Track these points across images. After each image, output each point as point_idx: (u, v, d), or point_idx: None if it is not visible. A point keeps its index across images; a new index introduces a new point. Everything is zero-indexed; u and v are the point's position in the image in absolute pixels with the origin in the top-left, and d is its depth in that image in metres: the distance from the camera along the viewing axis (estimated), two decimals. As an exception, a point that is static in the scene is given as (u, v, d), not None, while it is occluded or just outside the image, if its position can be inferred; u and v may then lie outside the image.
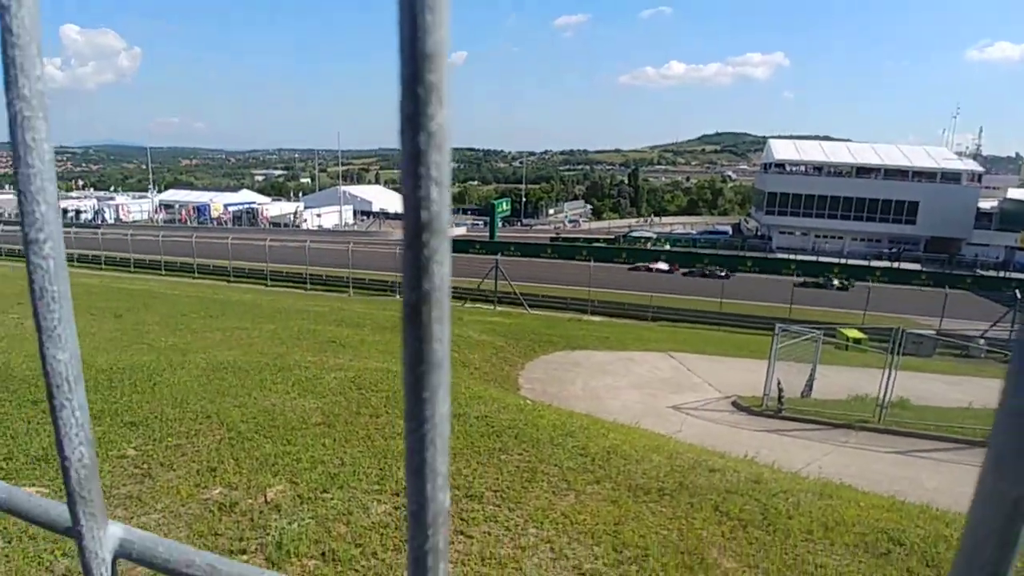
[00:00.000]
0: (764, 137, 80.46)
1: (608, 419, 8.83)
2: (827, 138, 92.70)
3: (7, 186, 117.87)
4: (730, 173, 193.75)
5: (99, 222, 66.88)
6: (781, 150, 58.46)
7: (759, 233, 60.65)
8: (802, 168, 56.43)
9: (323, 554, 3.83)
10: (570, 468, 5.50)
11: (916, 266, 45.02)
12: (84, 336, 11.43)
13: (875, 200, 52.52)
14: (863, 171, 54.15)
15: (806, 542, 4.54)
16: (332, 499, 4.53)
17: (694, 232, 67.68)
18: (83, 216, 71.72)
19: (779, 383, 12.28)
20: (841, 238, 53.87)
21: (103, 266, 38.60)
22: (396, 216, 76.45)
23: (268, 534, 3.98)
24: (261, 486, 4.66)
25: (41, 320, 0.32)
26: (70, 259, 40.36)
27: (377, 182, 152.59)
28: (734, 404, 13.07)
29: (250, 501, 4.41)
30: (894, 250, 50.87)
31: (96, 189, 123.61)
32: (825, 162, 55.94)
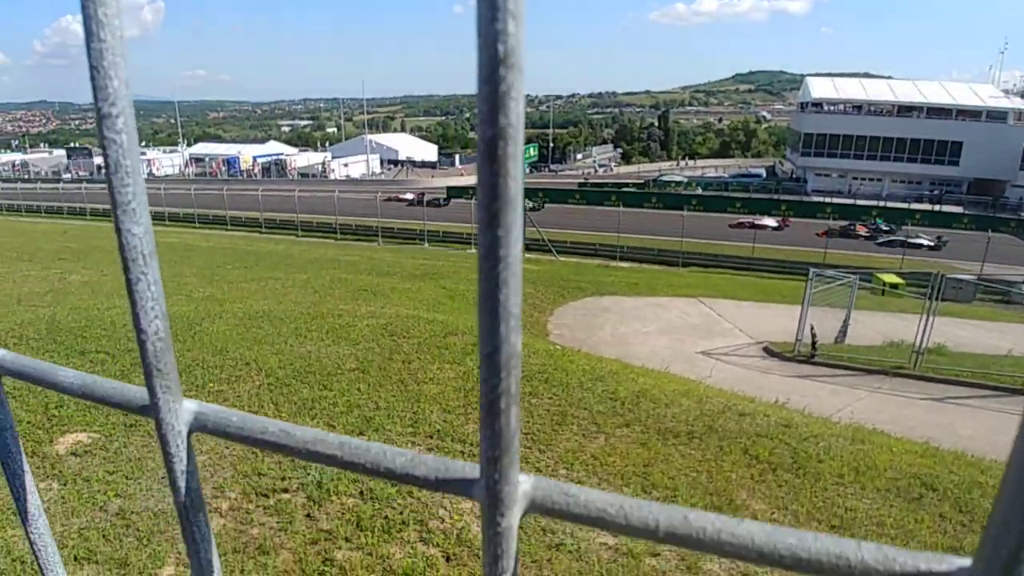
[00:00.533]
0: (801, 75, 77.18)
1: (637, 364, 8.85)
2: (867, 75, 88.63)
3: (42, 144, 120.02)
4: (765, 113, 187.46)
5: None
6: (819, 88, 56.10)
7: (794, 175, 58.94)
8: (841, 107, 54.20)
9: (361, 493, 3.97)
10: (600, 412, 5.56)
11: (958, 209, 43.37)
12: (121, 289, 11.75)
13: (916, 140, 50.33)
14: (905, 110, 51.79)
15: (836, 486, 4.56)
16: (370, 440, 4.65)
17: (726, 175, 66.06)
18: (116, 170, 72.77)
19: (812, 328, 12.13)
20: (880, 180, 52.04)
21: (139, 219, 39.31)
22: (423, 164, 76.10)
23: (308, 474, 4.12)
24: (299, 430, 4.81)
25: (116, 195, 0.32)
26: (105, 214, 41.25)
27: (403, 130, 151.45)
28: (765, 350, 12.97)
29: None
30: (935, 192, 49.03)
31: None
32: (865, 100, 53.59)
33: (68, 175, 71.83)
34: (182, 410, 0.37)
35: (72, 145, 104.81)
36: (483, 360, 0.27)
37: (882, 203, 44.30)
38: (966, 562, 0.25)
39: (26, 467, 0.44)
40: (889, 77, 66.33)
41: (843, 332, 13.49)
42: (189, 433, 0.37)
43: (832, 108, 54.48)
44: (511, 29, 0.24)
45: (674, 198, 45.59)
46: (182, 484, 0.37)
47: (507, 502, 0.29)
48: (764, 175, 64.16)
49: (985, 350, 12.55)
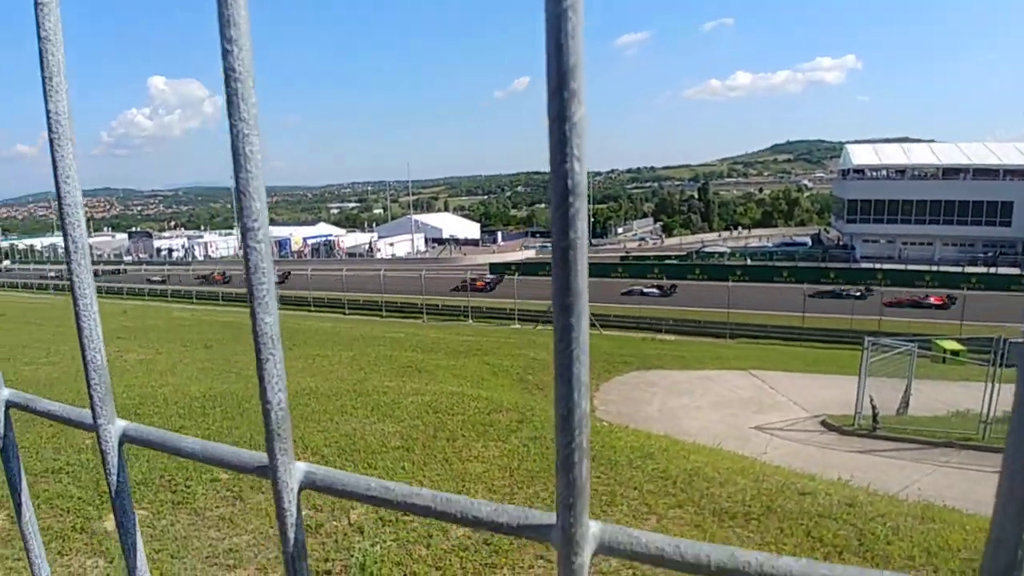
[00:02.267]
0: (840, 143, 77.46)
1: (687, 441, 8.58)
2: (908, 140, 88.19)
3: (106, 228, 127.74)
4: (806, 182, 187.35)
5: (189, 259, 71.26)
6: (859, 155, 55.97)
7: (841, 243, 58.06)
8: (883, 172, 53.76)
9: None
10: (650, 491, 5.37)
11: (1015, 270, 41.67)
12: (176, 366, 12.12)
13: (965, 202, 49.20)
14: (950, 172, 50.97)
15: (907, 568, 4.25)
16: (412, 522, 4.58)
17: (770, 244, 65.48)
18: (175, 254, 76.73)
19: (872, 400, 11.62)
20: (931, 244, 50.75)
21: (194, 300, 40.91)
22: (466, 242, 77.72)
23: (352, 555, 4.06)
24: (345, 508, 4.78)
25: (254, 290, 0.40)
26: (164, 295, 43.16)
27: (446, 209, 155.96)
28: (823, 424, 12.45)
29: (335, 523, 4.53)
30: (990, 254, 47.41)
31: (186, 229, 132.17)
32: (907, 165, 53.07)
33: (129, 257, 75.89)
34: (295, 470, 0.43)
35: (133, 229, 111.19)
36: (559, 421, 0.32)
37: (935, 267, 42.98)
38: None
39: (136, 526, 0.48)
40: (931, 141, 65.78)
41: (904, 403, 12.88)
42: (300, 490, 0.42)
43: (875, 174, 54.06)
44: (577, 168, 0.31)
45: (718, 269, 45.17)
46: (291, 536, 0.43)
47: (580, 543, 0.33)
48: (810, 243, 63.40)
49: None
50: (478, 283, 40.37)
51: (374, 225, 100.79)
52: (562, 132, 0.30)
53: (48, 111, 0.46)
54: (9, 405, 0.58)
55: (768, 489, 5.61)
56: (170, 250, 79.76)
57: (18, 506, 0.58)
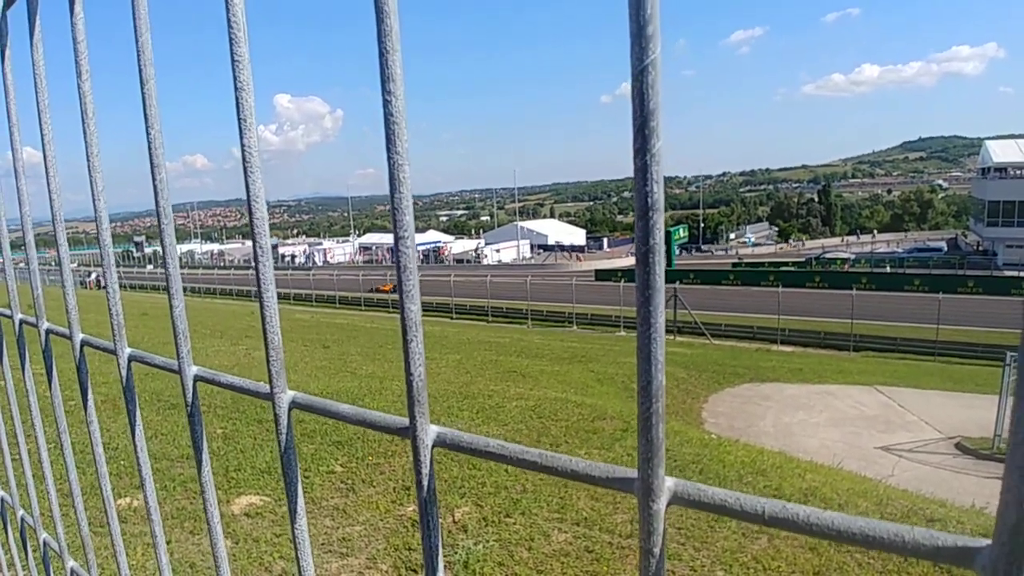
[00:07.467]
0: (979, 139, 70.77)
1: (804, 459, 8.14)
2: (1064, 135, 78.86)
3: (237, 236, 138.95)
4: (940, 182, 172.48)
5: (309, 264, 76.00)
6: (1001, 152, 50.84)
7: (981, 248, 52.86)
8: (1030, 170, 48.48)
9: (507, 578, 3.95)
10: (761, 508, 5.15)
11: None
12: (298, 364, 12.94)
13: None
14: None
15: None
16: (515, 524, 4.65)
17: (900, 250, 60.69)
18: (296, 260, 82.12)
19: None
20: (1090, 251, 45.14)
21: (313, 303, 43.50)
22: (571, 248, 77.65)
23: (456, 553, 4.19)
24: (449, 506, 4.93)
25: (403, 284, 0.50)
26: (286, 297, 46.18)
27: (552, 216, 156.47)
28: (958, 446, 11.41)
29: (439, 520, 4.67)
30: None
31: (307, 236, 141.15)
32: (1057, 162, 47.61)
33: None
34: (429, 431, 0.51)
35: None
36: (640, 391, 0.39)
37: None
38: (988, 541, 0.32)
39: (299, 477, 0.58)
40: (1087, 135, 58.57)
41: (1057, 428, 11.54)
42: (432, 447, 0.52)
43: (1019, 172, 48.83)
44: (655, 184, 0.36)
45: (840, 277, 42.39)
46: (425, 484, 0.52)
47: (657, 492, 0.40)
48: (945, 249, 58.18)
49: None
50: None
51: (481, 232, 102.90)
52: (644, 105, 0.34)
53: (237, 96, 0.57)
54: (197, 379, 0.70)
55: (892, 514, 5.24)
56: (292, 256, 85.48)
57: (199, 463, 0.70)
